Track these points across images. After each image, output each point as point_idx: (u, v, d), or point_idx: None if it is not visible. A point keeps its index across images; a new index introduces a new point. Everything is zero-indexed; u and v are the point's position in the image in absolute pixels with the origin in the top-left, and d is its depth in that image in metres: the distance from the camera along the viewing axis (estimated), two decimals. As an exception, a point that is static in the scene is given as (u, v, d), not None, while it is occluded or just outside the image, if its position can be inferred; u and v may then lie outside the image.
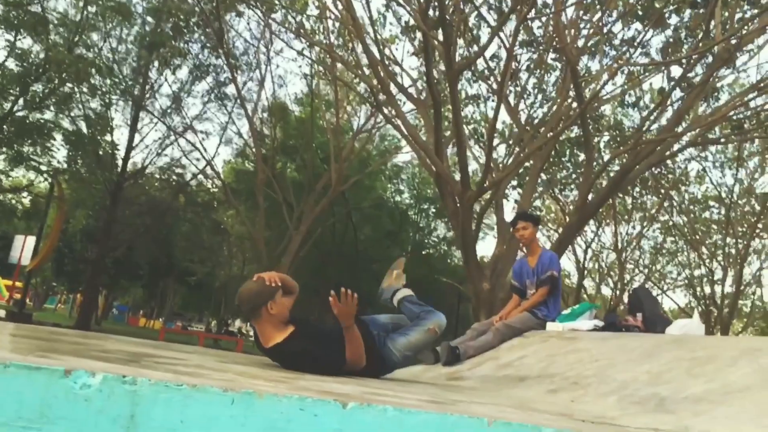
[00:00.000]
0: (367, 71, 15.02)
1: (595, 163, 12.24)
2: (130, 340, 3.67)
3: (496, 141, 17.77)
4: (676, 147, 13.18)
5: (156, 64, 20.54)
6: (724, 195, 23.00)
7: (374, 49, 12.55)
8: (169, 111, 21.98)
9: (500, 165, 15.85)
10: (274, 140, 20.24)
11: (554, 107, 13.94)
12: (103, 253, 22.70)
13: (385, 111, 14.50)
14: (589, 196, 11.77)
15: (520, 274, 5.64)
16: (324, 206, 19.52)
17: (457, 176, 11.27)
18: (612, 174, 13.74)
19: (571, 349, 4.30)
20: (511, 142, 16.71)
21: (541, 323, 5.27)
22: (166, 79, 21.35)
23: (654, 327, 4.56)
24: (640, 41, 12.36)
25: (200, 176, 24.28)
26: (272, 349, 3.05)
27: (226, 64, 18.80)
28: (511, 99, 14.94)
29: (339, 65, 17.77)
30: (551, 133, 12.16)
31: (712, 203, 24.07)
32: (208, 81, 21.68)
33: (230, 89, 21.77)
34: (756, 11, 11.20)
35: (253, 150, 21.08)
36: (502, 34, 12.91)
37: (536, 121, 15.19)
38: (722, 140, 15.15)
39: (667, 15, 12.64)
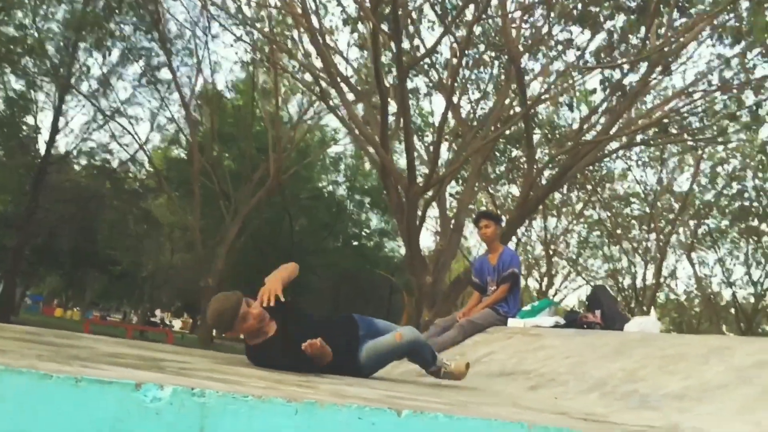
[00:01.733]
0: (314, 60, 14.91)
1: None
2: (107, 340, 3.57)
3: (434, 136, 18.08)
4: (609, 148, 13.80)
5: (85, 45, 19.65)
6: (645, 193, 24.17)
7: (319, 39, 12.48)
8: (97, 94, 21.12)
9: (440, 160, 16.09)
10: (212, 128, 19.78)
11: (495, 105, 14.25)
12: (24, 241, 21.67)
13: (330, 101, 14.49)
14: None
15: (480, 271, 5.80)
16: (261, 197, 19.29)
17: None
18: (547, 171, 14.25)
19: (538, 345, 4.47)
20: (448, 137, 16.99)
21: (502, 319, 5.45)
22: (96, 61, 20.50)
23: (613, 324, 4.80)
24: (582, 48, 12.79)
25: (128, 163, 23.52)
26: (255, 347, 3.08)
27: (161, 47, 18.23)
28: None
29: (279, 53, 17.53)
30: (492, 129, 12.47)
31: (633, 200, 25.27)
32: (140, 64, 20.97)
33: (163, 74, 21.17)
34: (685, 20, 11.87)
35: (188, 137, 20.56)
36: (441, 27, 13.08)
37: (477, 117, 15.50)
38: (651, 141, 15.88)
39: (602, 20, 13.16)
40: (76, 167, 24.97)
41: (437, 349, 5.24)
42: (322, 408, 1.61)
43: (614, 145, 14.20)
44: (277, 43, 15.78)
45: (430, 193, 12.41)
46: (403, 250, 37.31)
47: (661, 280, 26.08)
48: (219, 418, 1.51)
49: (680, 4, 11.73)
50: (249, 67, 20.16)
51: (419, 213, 12.05)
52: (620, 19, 13.02)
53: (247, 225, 20.19)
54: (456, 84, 13.87)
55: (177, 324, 54.59)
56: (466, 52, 14.59)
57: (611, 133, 11.98)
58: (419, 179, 11.83)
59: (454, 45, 13.39)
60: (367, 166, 29.45)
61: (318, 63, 15.32)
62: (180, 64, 20.31)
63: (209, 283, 17.63)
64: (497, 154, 18.63)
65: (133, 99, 22.17)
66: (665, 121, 13.51)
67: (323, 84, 14.01)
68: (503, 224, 7.23)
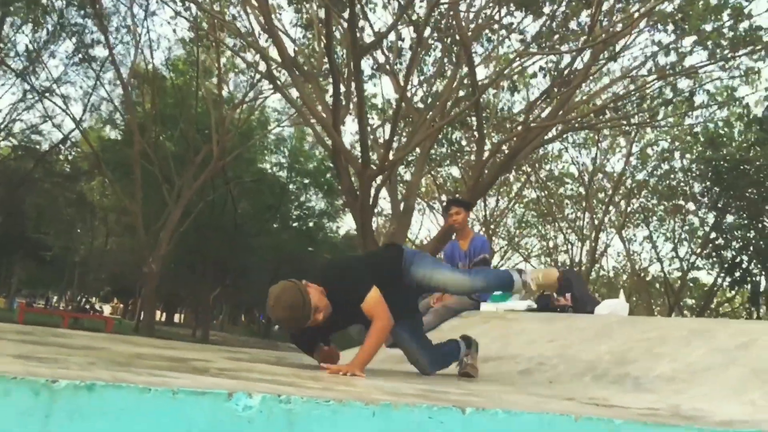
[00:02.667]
0: (260, 40, 14.66)
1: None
2: (109, 338, 3.51)
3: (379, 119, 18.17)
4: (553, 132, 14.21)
5: (12, 19, 18.60)
6: (580, 171, 25.02)
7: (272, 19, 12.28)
8: (26, 72, 20.06)
9: (383, 141, 16.15)
10: (153, 108, 19.09)
11: (444, 89, 14.39)
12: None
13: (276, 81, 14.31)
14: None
15: (451, 257, 5.93)
16: (205, 180, 18.89)
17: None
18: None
19: (519, 329, 4.64)
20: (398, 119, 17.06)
21: (475, 304, 5.61)
22: (26, 35, 19.40)
23: (584, 306, 5.02)
24: (527, 34, 13.05)
25: (60, 144, 22.55)
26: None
27: (97, 24, 17.45)
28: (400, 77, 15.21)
29: (220, 31, 17.12)
30: (439, 116, 12.64)
31: (567, 180, 26.12)
32: (73, 41, 19.98)
33: (97, 51, 20.29)
34: (622, 5, 12.34)
35: (124, 117, 19.85)
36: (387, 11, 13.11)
37: (424, 100, 15.60)
38: (587, 126, 16.37)
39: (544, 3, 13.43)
40: (3, 149, 23.75)
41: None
42: (397, 409, 1.69)
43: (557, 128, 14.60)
44: (221, 19, 15.41)
45: (380, 178, 12.51)
46: (343, 231, 37.48)
47: (597, 257, 27.08)
48: (305, 424, 1.57)
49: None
50: (190, 45, 19.57)
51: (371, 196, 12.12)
52: (563, 4, 13.39)
53: (189, 209, 19.75)
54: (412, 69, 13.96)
55: (106, 309, 53.19)
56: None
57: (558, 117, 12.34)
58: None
59: (404, 29, 13.45)
60: (307, 146, 29.30)
61: (262, 42, 15.09)
62: (116, 41, 19.55)
63: (152, 269, 17.24)
64: (439, 136, 18.85)
65: (65, 77, 21.22)
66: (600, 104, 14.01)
67: (271, 63, 13.82)
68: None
